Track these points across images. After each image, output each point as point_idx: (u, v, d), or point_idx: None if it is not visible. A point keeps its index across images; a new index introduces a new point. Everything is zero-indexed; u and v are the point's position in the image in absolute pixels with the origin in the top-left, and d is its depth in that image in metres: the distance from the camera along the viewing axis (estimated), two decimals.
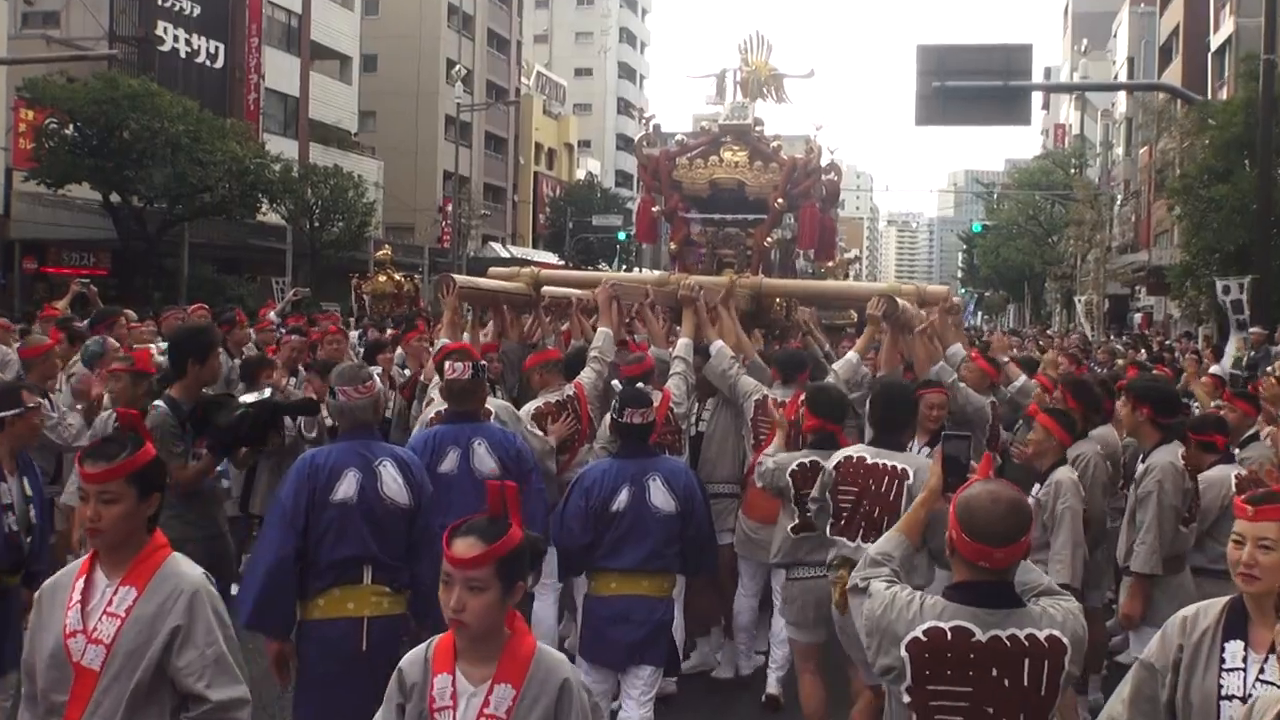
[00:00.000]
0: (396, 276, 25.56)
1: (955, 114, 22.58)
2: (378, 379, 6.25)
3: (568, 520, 6.26)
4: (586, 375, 8.09)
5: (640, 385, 7.54)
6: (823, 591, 6.34)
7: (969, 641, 3.55)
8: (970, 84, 21.88)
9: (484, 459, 6.27)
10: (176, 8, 43.90)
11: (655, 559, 6.17)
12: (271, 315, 16.29)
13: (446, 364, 6.48)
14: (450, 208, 56.14)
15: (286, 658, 5.38)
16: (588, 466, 6.74)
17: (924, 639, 3.58)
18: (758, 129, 11.14)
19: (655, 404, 6.87)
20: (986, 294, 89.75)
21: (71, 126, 34.77)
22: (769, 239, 11.00)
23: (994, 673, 3.54)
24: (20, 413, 5.90)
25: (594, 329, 8.83)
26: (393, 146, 60.88)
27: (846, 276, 18.09)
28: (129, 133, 34.24)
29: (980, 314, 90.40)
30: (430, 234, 59.60)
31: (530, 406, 7.86)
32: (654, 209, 11.41)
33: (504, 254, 58.69)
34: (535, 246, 71.98)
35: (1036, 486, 6.54)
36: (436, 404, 7.10)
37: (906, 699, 3.62)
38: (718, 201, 11.04)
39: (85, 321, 11.78)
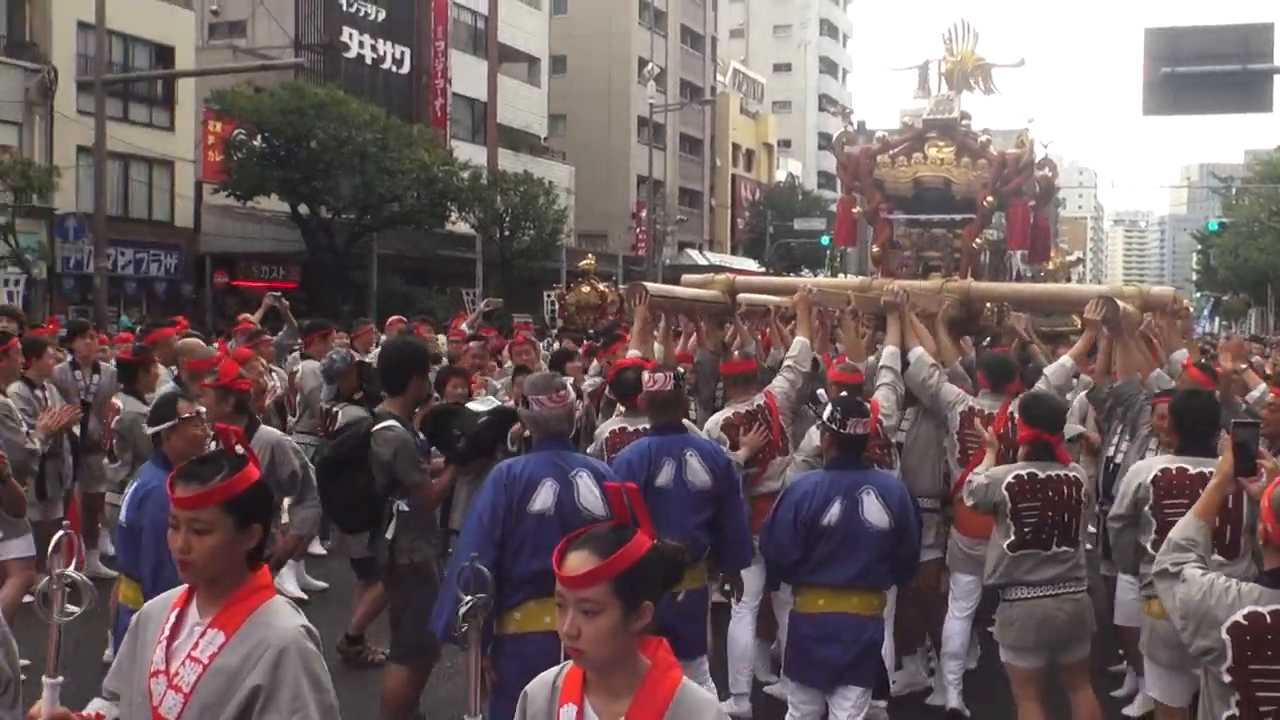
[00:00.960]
0: (600, 287, 24.40)
1: (1187, 102, 20.90)
2: (570, 389, 6.17)
3: (777, 533, 6.15)
4: (779, 385, 8.01)
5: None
6: (1045, 612, 6.25)
7: None
8: (1204, 69, 20.25)
9: (697, 472, 6.36)
10: (361, 13, 43.46)
11: (867, 575, 6.08)
12: (463, 327, 15.91)
13: (646, 376, 6.61)
14: (644, 213, 54.62)
15: (484, 672, 5.22)
16: (797, 479, 6.66)
17: (1244, 623, 3.87)
18: (964, 123, 10.72)
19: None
20: (1225, 298, 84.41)
21: (259, 137, 34.51)
22: (978, 240, 10.63)
23: None
24: (174, 425, 5.73)
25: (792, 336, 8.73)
26: (584, 150, 59.80)
27: (1068, 280, 17.41)
28: (316, 142, 34.11)
29: (1217, 319, 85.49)
30: (624, 241, 58.27)
31: (719, 417, 7.87)
32: (854, 210, 11.19)
33: (701, 261, 57.29)
34: (734, 253, 70.30)
35: None
36: (614, 420, 7.51)
37: (1228, 679, 3.90)
38: (922, 201, 10.70)
39: (277, 334, 12.56)
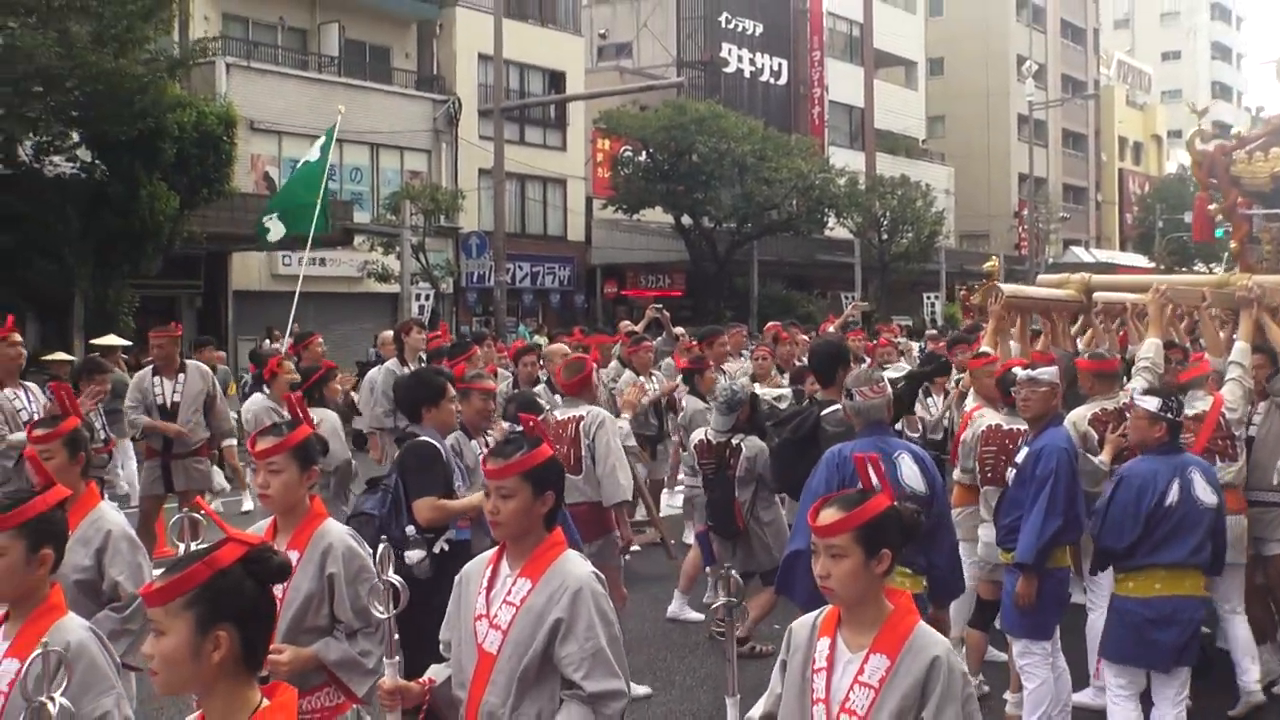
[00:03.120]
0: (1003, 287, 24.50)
1: None
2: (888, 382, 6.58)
3: (1115, 518, 6.27)
4: (1138, 384, 7.66)
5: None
6: None
7: None
8: None
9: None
10: (740, 28, 44.51)
11: (1198, 553, 6.22)
12: (830, 329, 16.39)
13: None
14: (1026, 212, 53.31)
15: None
16: (1130, 465, 6.59)
17: None
18: None
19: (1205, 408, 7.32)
20: None
21: (644, 153, 35.84)
22: None
23: None
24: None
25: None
26: (963, 151, 59.07)
27: None
28: (697, 156, 35.08)
29: None
30: (1006, 241, 57.00)
31: (1085, 411, 7.80)
32: (1210, 207, 10.95)
33: (1086, 258, 55.34)
34: (1122, 248, 67.68)
35: None
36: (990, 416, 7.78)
37: None
38: None
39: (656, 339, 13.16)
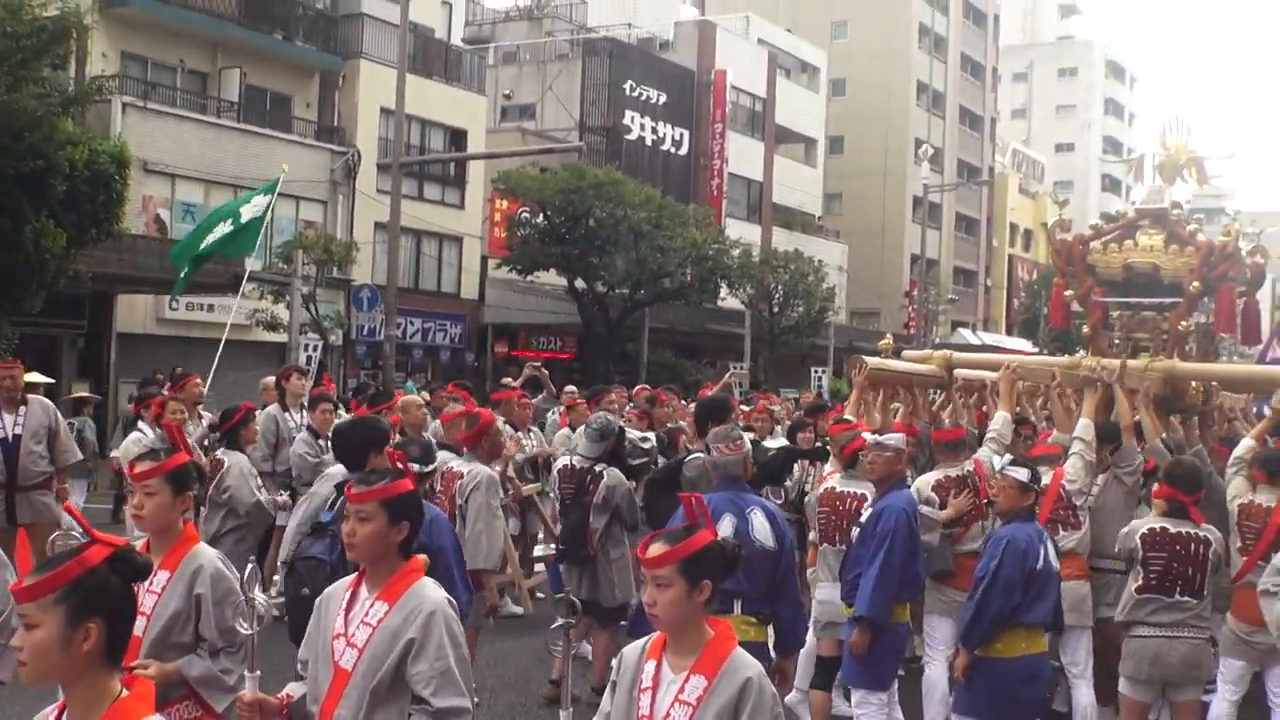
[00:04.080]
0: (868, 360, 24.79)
1: None
2: (747, 440, 6.84)
3: (1005, 585, 6.59)
4: (984, 454, 8.49)
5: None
6: (1157, 651, 6.88)
7: None
8: None
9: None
10: (644, 97, 45.05)
11: (1052, 613, 6.75)
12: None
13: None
14: (917, 292, 54.34)
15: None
16: (1005, 530, 6.93)
17: None
18: (1175, 212, 11.07)
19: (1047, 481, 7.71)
20: None
21: (541, 215, 36.03)
22: (1184, 323, 10.92)
23: None
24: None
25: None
26: (858, 229, 60.12)
27: None
28: (594, 220, 35.27)
29: None
30: (896, 319, 57.99)
31: (930, 478, 8.38)
32: (1066, 293, 11.53)
33: (973, 340, 56.46)
34: (1008, 333, 68.92)
35: None
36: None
37: None
38: (1132, 285, 11.11)
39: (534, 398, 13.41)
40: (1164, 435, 9.24)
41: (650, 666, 3.90)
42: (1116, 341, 11.03)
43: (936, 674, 7.95)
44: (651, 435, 10.73)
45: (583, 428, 9.67)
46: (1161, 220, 11.00)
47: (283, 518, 9.39)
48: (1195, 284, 10.69)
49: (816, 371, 43.43)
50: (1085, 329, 11.55)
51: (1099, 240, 11.32)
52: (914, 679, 8.33)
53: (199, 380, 11.90)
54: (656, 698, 3.84)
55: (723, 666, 3.80)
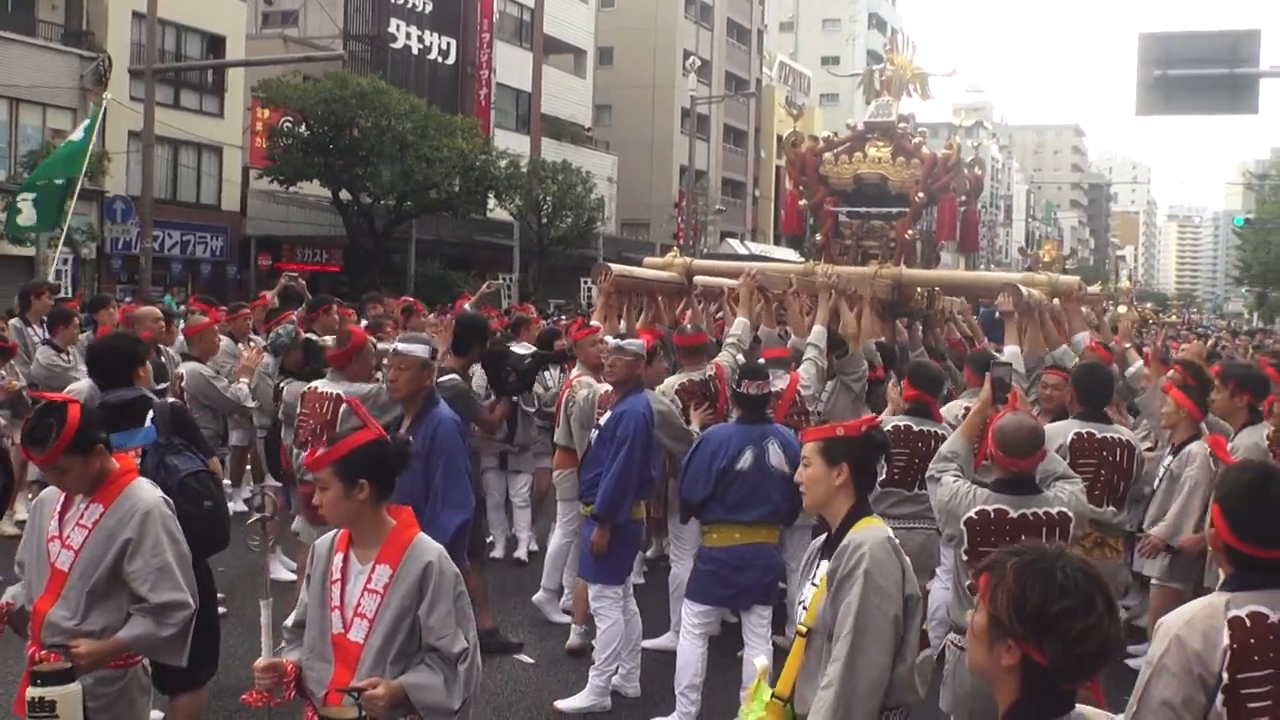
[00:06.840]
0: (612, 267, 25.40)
1: (1178, 103, 22.25)
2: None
3: (691, 474, 7.00)
4: (724, 358, 8.75)
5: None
6: (913, 544, 6.92)
7: (1006, 517, 5.34)
8: (1194, 72, 21.50)
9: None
10: (410, 5, 44.38)
11: (774, 513, 7.02)
12: (466, 306, 16.39)
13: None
14: (685, 203, 55.19)
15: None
16: (711, 429, 7.35)
17: (975, 518, 5.36)
18: (901, 125, 11.73)
19: (784, 385, 8.20)
20: (1274, 293, 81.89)
21: (304, 125, 35.38)
22: (910, 231, 11.53)
23: (1023, 538, 4.98)
24: None
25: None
26: (628, 141, 60.47)
27: (1064, 271, 19.58)
28: (358, 130, 34.80)
29: (1256, 316, 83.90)
30: (666, 230, 58.78)
31: (674, 381, 8.55)
32: (800, 202, 12.12)
33: (741, 250, 57.53)
34: (776, 243, 70.47)
35: (1169, 456, 7.57)
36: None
37: (965, 558, 5.35)
38: (862, 195, 11.72)
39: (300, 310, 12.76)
40: (882, 338, 9.78)
41: (339, 559, 4.06)
42: (846, 249, 11.65)
43: (681, 572, 8.12)
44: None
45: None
46: (889, 133, 11.65)
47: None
48: (920, 194, 11.35)
49: (586, 282, 43.93)
50: (818, 237, 12.06)
51: (830, 152, 11.84)
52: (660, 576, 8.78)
53: None
54: (346, 589, 4.00)
55: (405, 554, 3.98)
